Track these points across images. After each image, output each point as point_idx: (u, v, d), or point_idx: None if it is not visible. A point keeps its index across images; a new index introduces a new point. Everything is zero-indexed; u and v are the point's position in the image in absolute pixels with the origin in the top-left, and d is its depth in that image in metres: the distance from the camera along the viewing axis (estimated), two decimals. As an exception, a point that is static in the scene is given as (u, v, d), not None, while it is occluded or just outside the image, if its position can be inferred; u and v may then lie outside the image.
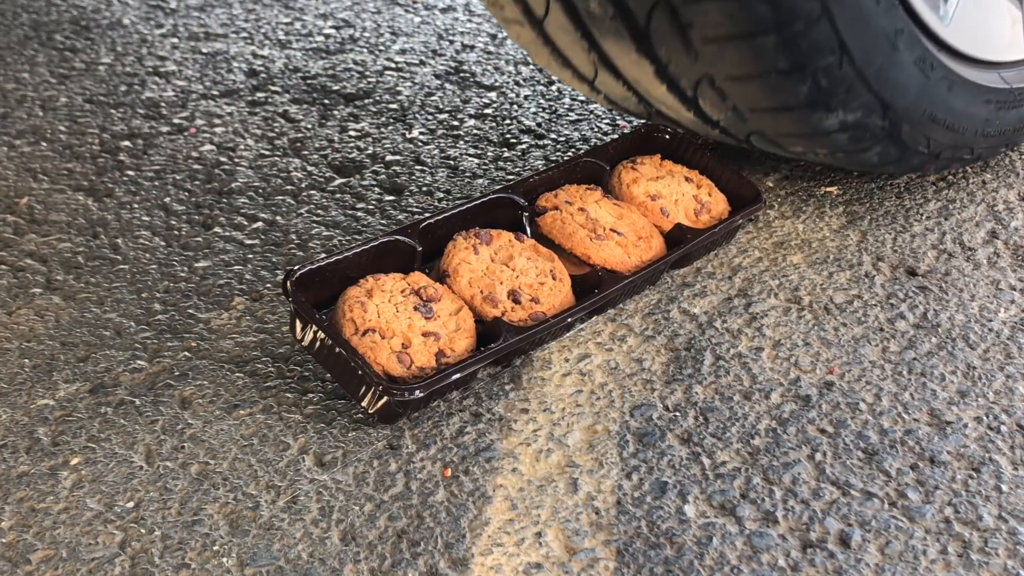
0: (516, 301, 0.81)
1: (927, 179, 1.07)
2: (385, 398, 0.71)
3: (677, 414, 0.75)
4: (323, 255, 0.82)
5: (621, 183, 0.96)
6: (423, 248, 0.84)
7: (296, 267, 0.78)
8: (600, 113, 1.38)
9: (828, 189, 1.08)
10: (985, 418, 0.73)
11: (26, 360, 0.84)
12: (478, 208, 0.88)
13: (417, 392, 0.71)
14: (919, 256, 0.94)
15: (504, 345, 0.76)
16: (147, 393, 0.80)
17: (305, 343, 0.76)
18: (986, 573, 0.61)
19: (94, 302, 0.92)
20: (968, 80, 0.92)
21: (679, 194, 0.95)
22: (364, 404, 0.73)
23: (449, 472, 0.71)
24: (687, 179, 0.97)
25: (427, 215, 0.84)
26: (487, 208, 0.88)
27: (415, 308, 0.77)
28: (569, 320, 0.81)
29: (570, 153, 1.25)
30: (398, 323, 0.76)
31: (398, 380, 0.73)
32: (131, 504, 0.69)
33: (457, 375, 0.73)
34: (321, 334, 0.74)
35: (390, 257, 0.83)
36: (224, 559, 0.64)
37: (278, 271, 0.96)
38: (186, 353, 0.85)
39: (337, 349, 0.73)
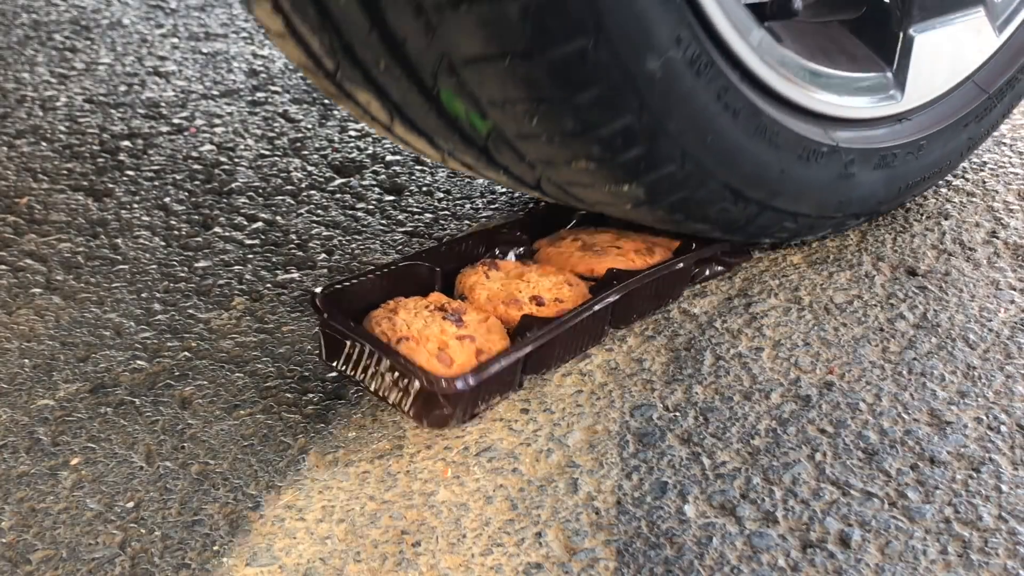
0: (540, 303, 0.81)
1: (927, 179, 1.07)
2: (433, 395, 0.70)
3: (677, 414, 0.75)
4: (345, 279, 0.81)
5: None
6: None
7: (323, 288, 0.78)
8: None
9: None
10: (985, 418, 0.73)
11: (26, 360, 0.84)
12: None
13: (470, 380, 0.70)
14: (919, 256, 0.94)
15: (551, 327, 0.75)
16: (147, 393, 0.80)
17: (340, 361, 0.76)
18: (986, 573, 0.61)
19: (94, 302, 0.92)
20: (787, 129, 0.80)
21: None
22: (410, 410, 0.72)
23: (449, 472, 0.71)
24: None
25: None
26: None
27: (443, 319, 0.77)
28: (597, 308, 0.79)
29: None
30: (430, 330, 0.75)
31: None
32: (131, 504, 0.69)
33: (503, 363, 0.72)
34: (358, 345, 0.73)
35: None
36: (224, 559, 0.64)
37: (278, 271, 0.96)
38: (186, 353, 0.85)
39: (377, 355, 0.72)
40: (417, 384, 0.70)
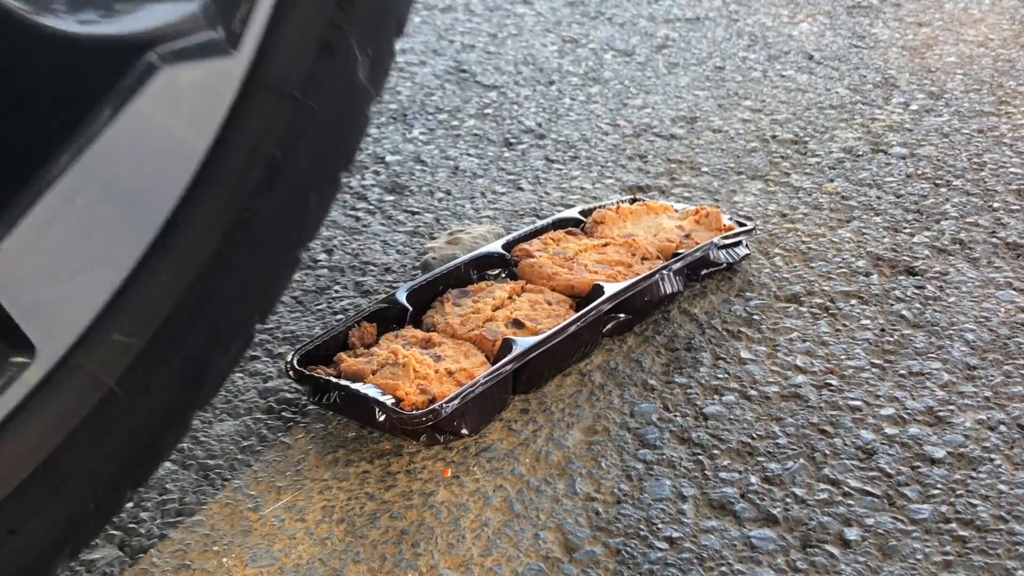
0: (519, 326, 0.80)
1: (925, 179, 1.07)
2: (421, 420, 0.69)
3: (677, 414, 0.75)
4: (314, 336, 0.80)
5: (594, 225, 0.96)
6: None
7: (293, 352, 0.77)
8: (600, 113, 1.38)
9: (828, 188, 1.08)
10: (984, 418, 0.73)
11: (26, 360, 0.84)
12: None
13: (454, 403, 0.69)
14: (918, 256, 0.94)
15: (530, 347, 0.74)
16: (147, 393, 0.80)
17: (329, 405, 0.75)
18: (986, 573, 0.61)
19: None
20: None
21: (657, 228, 0.95)
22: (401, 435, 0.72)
23: (449, 472, 0.71)
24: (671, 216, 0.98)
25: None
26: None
27: (421, 353, 0.76)
28: (578, 324, 0.78)
29: (570, 153, 1.25)
30: (409, 360, 0.75)
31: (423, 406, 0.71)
32: (131, 504, 0.69)
33: (484, 384, 0.72)
34: (339, 395, 0.73)
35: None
36: (224, 559, 0.64)
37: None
38: (186, 353, 0.85)
39: (362, 394, 0.72)
40: (385, 417, 0.71)
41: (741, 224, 0.94)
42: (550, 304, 0.83)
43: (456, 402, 0.70)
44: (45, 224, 0.43)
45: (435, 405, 0.69)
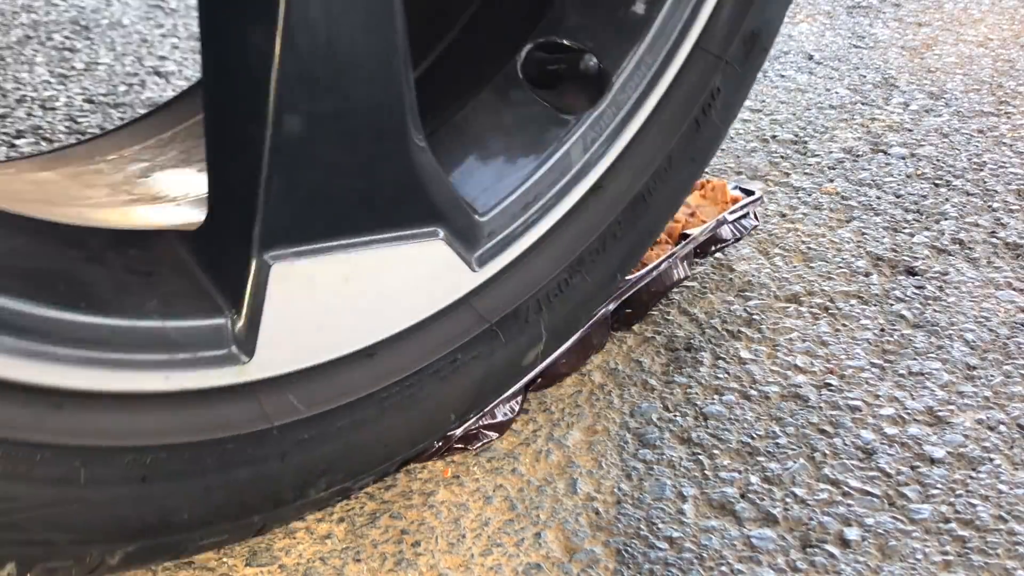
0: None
1: (925, 179, 1.07)
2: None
3: (676, 414, 0.75)
4: None
5: None
6: None
7: None
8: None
9: (828, 189, 1.08)
10: (984, 418, 0.73)
11: (26, 360, 0.84)
12: None
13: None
14: (918, 256, 0.94)
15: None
16: (147, 393, 0.80)
17: None
18: (985, 573, 0.61)
19: None
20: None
21: None
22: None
23: (449, 472, 0.71)
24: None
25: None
26: None
27: None
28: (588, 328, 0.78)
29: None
30: None
31: None
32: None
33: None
34: None
35: None
36: (225, 558, 0.64)
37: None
38: (186, 353, 0.85)
39: None
40: None
41: (748, 193, 0.93)
42: None
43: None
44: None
45: None
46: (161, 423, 0.49)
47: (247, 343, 0.49)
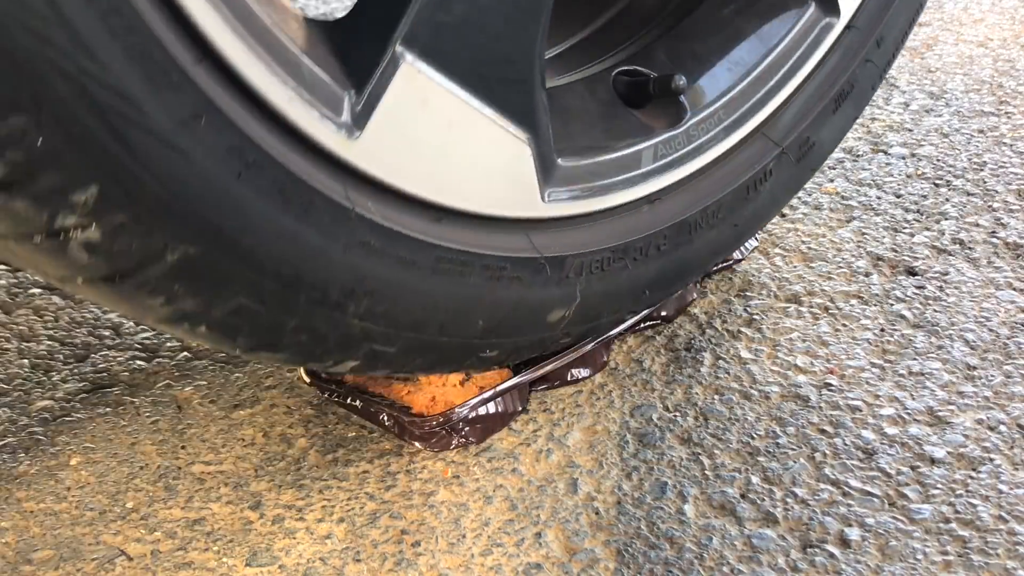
0: None
1: (925, 179, 1.07)
2: (435, 423, 0.71)
3: (677, 414, 0.75)
4: None
5: None
6: None
7: None
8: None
9: (828, 188, 1.08)
10: (984, 418, 0.73)
11: (25, 360, 0.84)
12: None
13: (465, 411, 0.71)
14: (918, 256, 0.94)
15: (551, 358, 0.76)
16: (147, 393, 0.80)
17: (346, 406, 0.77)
18: (986, 573, 0.61)
19: (93, 302, 0.92)
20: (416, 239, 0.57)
21: None
22: (415, 440, 0.73)
23: (449, 472, 0.71)
24: None
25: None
26: None
27: None
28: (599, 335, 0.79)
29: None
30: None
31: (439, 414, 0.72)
32: (131, 504, 0.69)
33: (498, 388, 0.73)
34: (358, 402, 0.74)
35: None
36: (225, 558, 0.64)
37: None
38: (186, 353, 0.85)
39: (374, 405, 0.73)
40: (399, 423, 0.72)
41: None
42: None
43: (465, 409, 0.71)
44: None
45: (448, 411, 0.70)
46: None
47: (358, 123, 0.52)
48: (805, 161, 0.82)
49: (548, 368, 0.76)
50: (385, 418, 0.73)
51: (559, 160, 0.64)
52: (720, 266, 0.92)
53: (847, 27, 0.79)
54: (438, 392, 0.72)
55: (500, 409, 0.73)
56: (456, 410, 0.71)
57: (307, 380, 0.77)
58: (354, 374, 0.74)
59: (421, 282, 0.58)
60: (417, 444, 0.72)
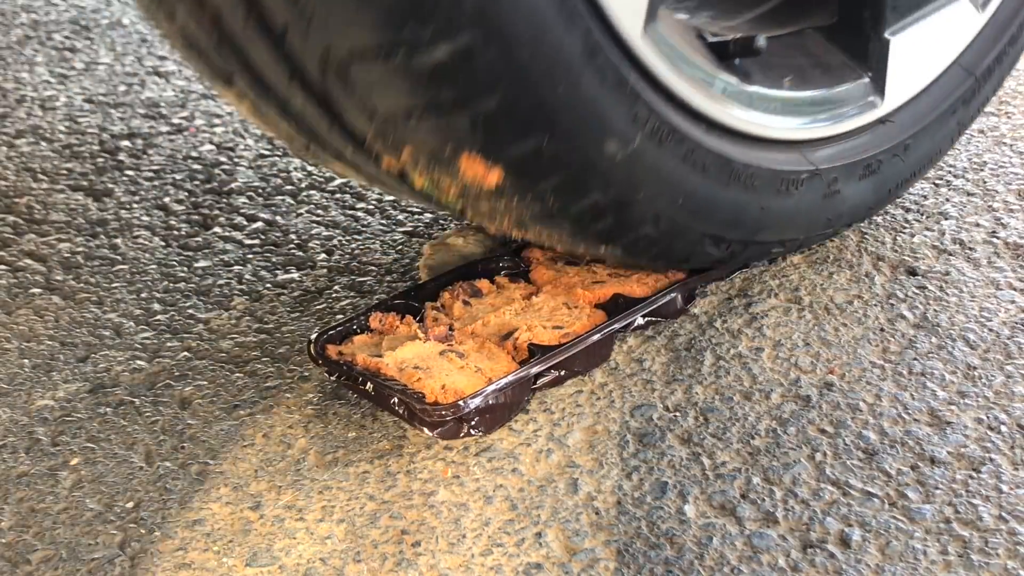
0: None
1: (925, 179, 1.07)
2: (445, 416, 0.71)
3: (677, 414, 0.75)
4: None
5: None
6: None
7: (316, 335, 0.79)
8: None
9: (828, 189, 1.08)
10: (985, 418, 0.73)
11: (26, 360, 0.84)
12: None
13: (477, 400, 0.71)
14: (919, 256, 0.94)
15: (559, 350, 0.76)
16: (147, 393, 0.80)
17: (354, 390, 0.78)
18: (986, 573, 0.61)
19: (93, 302, 0.92)
20: (762, 168, 0.80)
21: None
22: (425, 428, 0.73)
23: (449, 472, 0.71)
24: None
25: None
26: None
27: (440, 354, 0.77)
28: (603, 333, 0.79)
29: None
30: (435, 363, 0.75)
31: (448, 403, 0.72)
32: (131, 504, 0.69)
33: (505, 382, 0.73)
34: (370, 386, 0.74)
35: None
36: (225, 559, 0.64)
37: (278, 271, 0.96)
38: (186, 353, 0.85)
39: (386, 389, 0.73)
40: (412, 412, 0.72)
41: None
42: (570, 309, 0.83)
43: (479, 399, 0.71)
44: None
45: (459, 400, 0.71)
46: (847, 148, 0.88)
47: (877, 92, 0.87)
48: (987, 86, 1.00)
49: (555, 361, 0.76)
50: (396, 403, 0.73)
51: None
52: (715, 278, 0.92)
53: None
54: (448, 380, 0.72)
55: (507, 400, 0.73)
56: (467, 400, 0.71)
57: (318, 362, 0.77)
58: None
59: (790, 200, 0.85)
60: (426, 431, 0.72)
